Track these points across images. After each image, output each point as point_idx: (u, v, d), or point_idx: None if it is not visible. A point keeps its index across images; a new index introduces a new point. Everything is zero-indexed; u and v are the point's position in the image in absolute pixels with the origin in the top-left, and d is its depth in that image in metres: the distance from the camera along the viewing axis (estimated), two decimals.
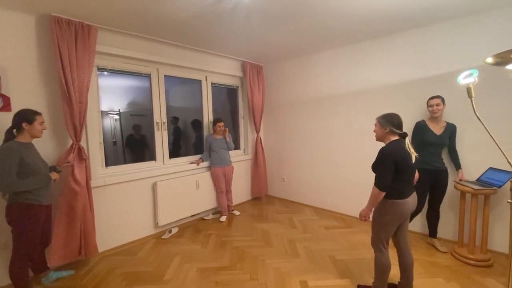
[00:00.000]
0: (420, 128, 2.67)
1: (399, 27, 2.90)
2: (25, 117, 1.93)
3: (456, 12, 2.53)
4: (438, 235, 2.79)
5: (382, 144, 1.87)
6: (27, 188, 1.89)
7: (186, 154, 3.80)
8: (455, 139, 2.66)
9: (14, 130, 1.95)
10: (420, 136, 2.66)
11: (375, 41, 3.24)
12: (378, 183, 1.75)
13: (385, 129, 1.83)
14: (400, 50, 3.06)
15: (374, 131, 1.94)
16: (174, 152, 3.68)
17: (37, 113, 1.99)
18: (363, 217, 1.89)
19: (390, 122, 1.82)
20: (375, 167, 1.83)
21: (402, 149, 1.75)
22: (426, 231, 2.88)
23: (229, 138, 3.75)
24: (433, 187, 2.68)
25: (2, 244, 2.17)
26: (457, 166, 2.67)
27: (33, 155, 1.98)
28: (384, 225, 1.82)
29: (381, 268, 1.87)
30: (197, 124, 3.98)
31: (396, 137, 1.82)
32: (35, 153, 2.04)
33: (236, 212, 3.89)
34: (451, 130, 2.62)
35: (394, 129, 1.81)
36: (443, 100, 2.58)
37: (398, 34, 3.04)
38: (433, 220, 2.77)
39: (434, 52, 2.83)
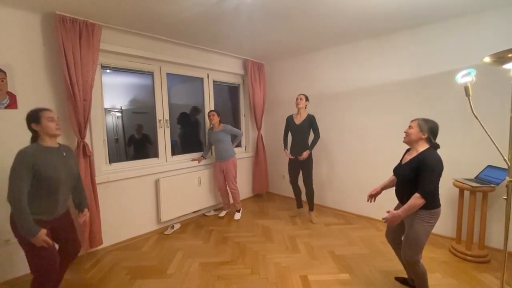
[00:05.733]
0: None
1: (399, 26, 2.92)
2: (31, 118, 1.70)
3: (455, 12, 2.55)
4: (436, 231, 2.82)
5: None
6: (16, 217, 1.55)
7: (188, 151, 3.83)
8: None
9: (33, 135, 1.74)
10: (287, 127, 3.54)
11: (375, 40, 3.26)
12: (427, 193, 1.63)
13: (424, 134, 1.72)
14: (399, 49, 3.08)
15: (406, 132, 1.81)
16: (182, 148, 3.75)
17: (41, 110, 1.72)
18: (394, 218, 1.70)
19: (431, 129, 1.72)
20: (424, 175, 1.65)
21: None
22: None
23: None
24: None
25: (3, 239, 2.18)
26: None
27: (54, 160, 1.70)
28: (426, 236, 1.72)
29: (423, 276, 1.81)
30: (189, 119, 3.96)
31: (427, 146, 1.73)
32: (58, 158, 1.74)
33: (236, 216, 3.61)
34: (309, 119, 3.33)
35: (432, 139, 1.72)
36: (306, 97, 3.36)
37: (398, 33, 3.06)
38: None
39: (432, 52, 2.84)
